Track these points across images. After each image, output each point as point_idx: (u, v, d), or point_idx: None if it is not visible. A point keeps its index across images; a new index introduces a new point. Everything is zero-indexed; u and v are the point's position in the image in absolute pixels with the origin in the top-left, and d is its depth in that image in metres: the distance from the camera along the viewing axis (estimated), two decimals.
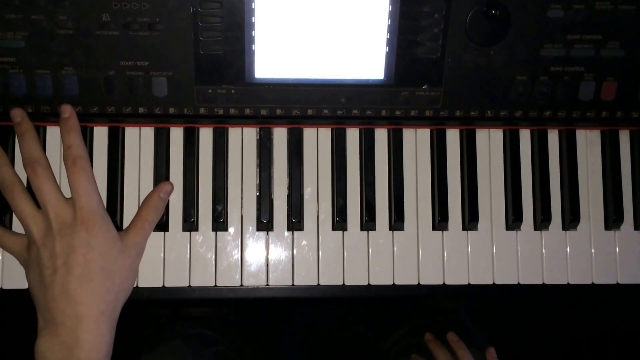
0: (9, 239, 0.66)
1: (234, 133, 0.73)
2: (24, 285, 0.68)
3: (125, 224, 0.71)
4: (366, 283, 0.72)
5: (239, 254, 0.72)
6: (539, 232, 0.75)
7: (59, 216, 0.63)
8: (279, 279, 0.72)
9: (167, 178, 0.72)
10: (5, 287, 0.69)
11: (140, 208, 0.69)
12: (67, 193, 0.65)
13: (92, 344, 0.61)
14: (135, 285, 0.69)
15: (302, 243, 0.72)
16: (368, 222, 0.72)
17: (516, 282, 0.74)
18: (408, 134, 0.75)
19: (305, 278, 0.72)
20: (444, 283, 0.73)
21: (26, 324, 0.65)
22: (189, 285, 0.71)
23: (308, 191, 0.73)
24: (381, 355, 0.92)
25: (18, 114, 0.67)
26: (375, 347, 0.92)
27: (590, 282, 0.75)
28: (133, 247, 0.66)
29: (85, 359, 0.60)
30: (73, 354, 0.60)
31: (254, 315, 0.96)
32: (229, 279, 0.71)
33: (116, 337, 0.64)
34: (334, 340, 0.99)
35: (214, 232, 0.72)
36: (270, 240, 0.72)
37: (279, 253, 0.72)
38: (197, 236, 0.72)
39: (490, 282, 0.74)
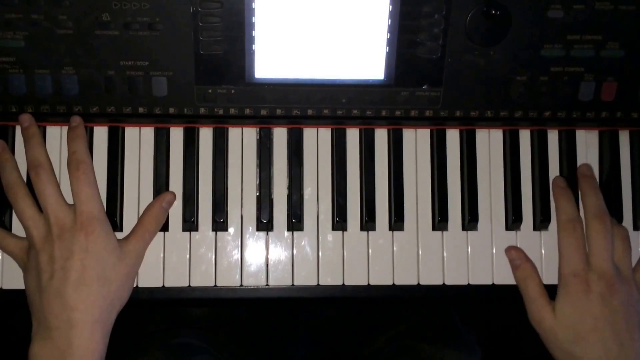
0: (9, 241, 0.66)
1: (234, 133, 0.73)
2: (24, 285, 0.68)
3: (125, 224, 0.70)
4: (366, 283, 0.72)
5: (239, 254, 0.72)
6: (538, 232, 0.75)
7: (60, 220, 0.63)
8: (279, 279, 0.72)
9: (167, 178, 0.72)
10: (5, 287, 0.69)
11: (141, 217, 0.69)
12: (69, 199, 0.66)
13: (85, 350, 0.61)
14: (135, 285, 0.69)
15: (302, 243, 0.72)
16: (368, 222, 0.72)
17: (516, 283, 0.74)
18: (408, 134, 0.75)
19: (305, 278, 0.72)
20: (443, 283, 0.73)
21: (25, 324, 0.65)
22: (189, 285, 0.71)
23: (308, 191, 0.73)
24: (368, 358, 0.90)
25: (26, 119, 0.68)
26: (362, 350, 0.91)
27: None
28: (131, 255, 0.66)
29: None
30: (65, 359, 0.60)
31: (245, 325, 0.95)
32: (229, 279, 0.71)
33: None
34: (321, 344, 0.98)
35: (214, 232, 0.72)
36: (270, 240, 0.72)
37: (278, 253, 0.72)
38: (197, 236, 0.71)
39: (490, 283, 0.74)
